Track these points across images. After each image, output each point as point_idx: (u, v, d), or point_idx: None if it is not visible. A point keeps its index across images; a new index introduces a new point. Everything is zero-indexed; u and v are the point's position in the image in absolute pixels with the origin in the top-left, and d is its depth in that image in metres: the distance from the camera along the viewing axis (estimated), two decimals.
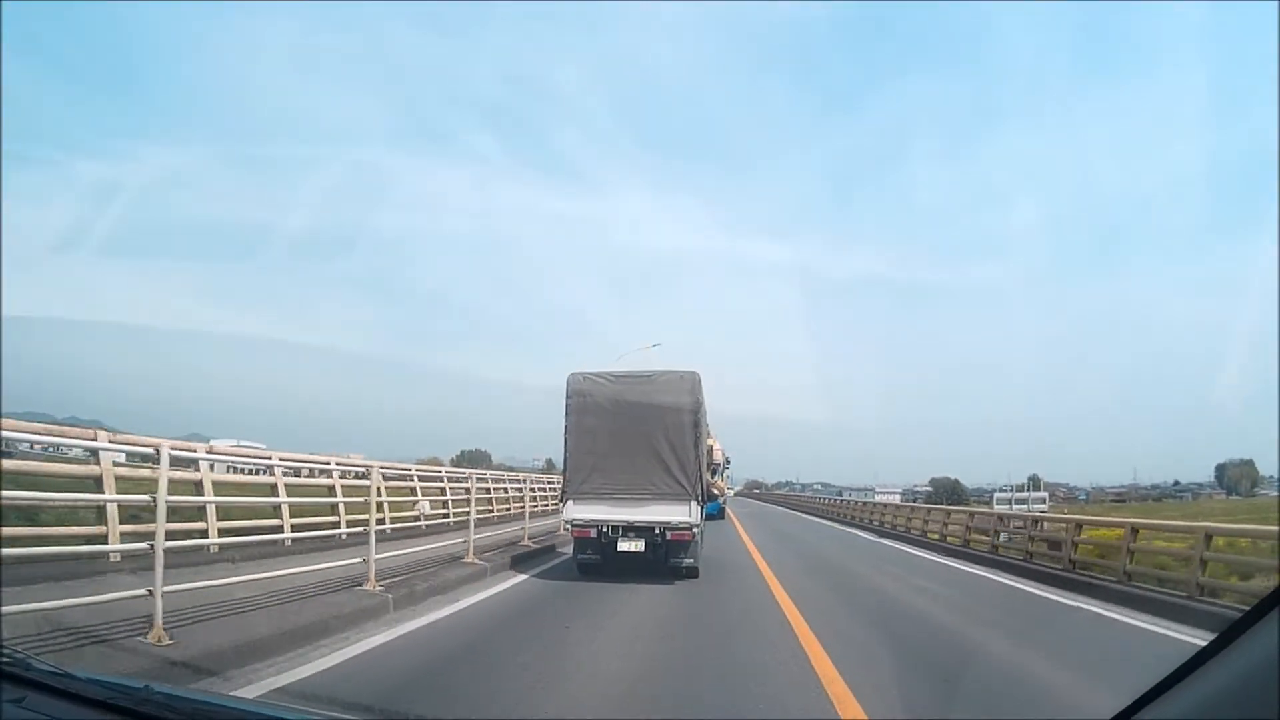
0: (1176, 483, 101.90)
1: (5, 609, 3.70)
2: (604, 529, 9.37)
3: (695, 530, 9.40)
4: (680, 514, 9.30)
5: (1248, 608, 1.19)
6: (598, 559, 9.58)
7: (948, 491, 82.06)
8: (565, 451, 9.76)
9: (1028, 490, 60.28)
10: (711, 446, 19.09)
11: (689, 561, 9.41)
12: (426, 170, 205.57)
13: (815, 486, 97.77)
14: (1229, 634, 1.17)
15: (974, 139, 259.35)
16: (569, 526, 9.86)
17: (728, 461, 30.92)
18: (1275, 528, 8.80)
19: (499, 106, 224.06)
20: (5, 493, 4.67)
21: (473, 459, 73.13)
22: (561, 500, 10.09)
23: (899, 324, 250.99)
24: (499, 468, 49.50)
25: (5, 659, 1.96)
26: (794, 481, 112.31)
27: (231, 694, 3.65)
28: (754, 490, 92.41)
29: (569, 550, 10.79)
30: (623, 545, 9.31)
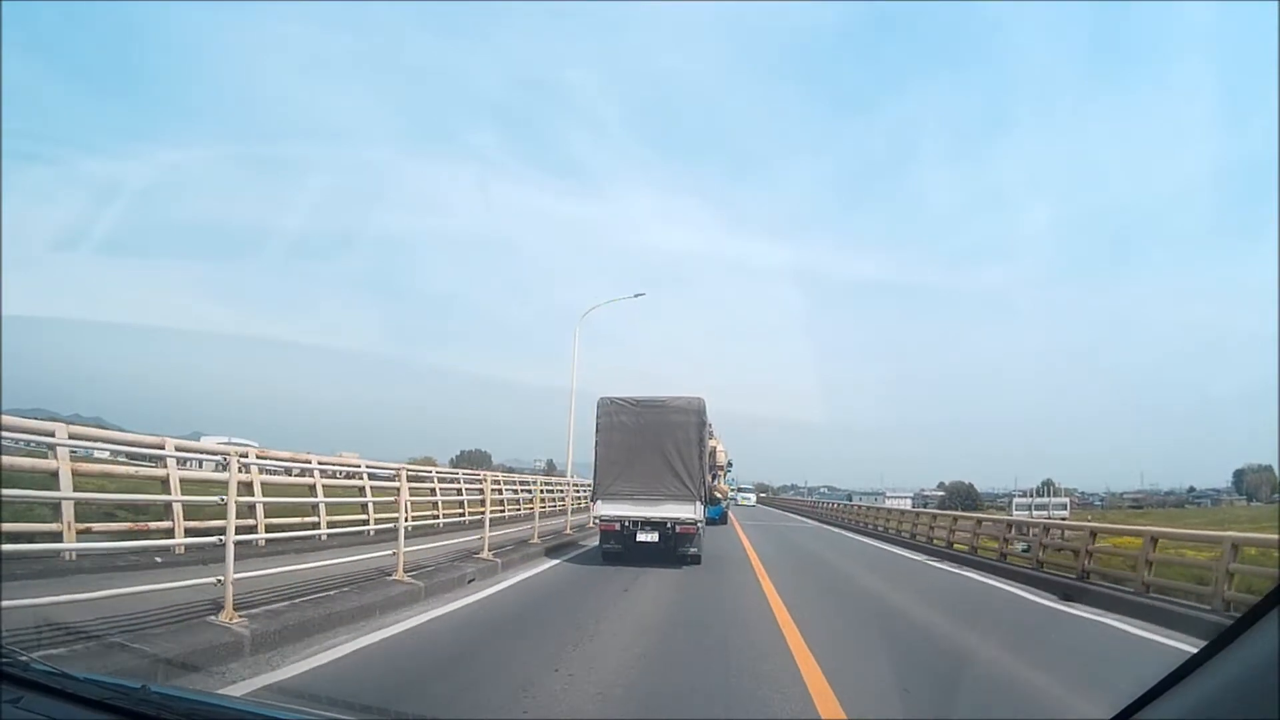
0: (1192, 488, 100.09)
1: (5, 604, 3.64)
2: (626, 523, 11.21)
3: (699, 525, 11.31)
4: (687, 511, 11.13)
5: None
6: (620, 548, 11.32)
7: (962, 496, 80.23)
8: (595, 461, 11.73)
9: (1047, 495, 58.62)
10: (715, 448, 19.00)
11: (693, 550, 11.34)
12: (429, 171, 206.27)
13: (821, 490, 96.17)
14: (1228, 634, 1.16)
15: (984, 144, 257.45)
16: (598, 521, 11.66)
17: (730, 463, 29.78)
18: None
19: (505, 108, 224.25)
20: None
21: (473, 460, 72.27)
22: (592, 500, 12.21)
23: (905, 327, 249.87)
24: (498, 469, 48.93)
25: (4, 659, 1.94)
26: (800, 485, 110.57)
27: (228, 693, 3.60)
28: (759, 494, 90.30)
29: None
30: (641, 536, 11.13)
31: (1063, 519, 33.94)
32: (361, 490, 11.58)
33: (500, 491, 18.21)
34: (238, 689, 3.95)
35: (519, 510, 18.25)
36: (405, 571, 7.38)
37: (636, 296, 28.53)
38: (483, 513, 16.37)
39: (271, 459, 9.58)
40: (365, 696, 4.09)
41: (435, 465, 34.17)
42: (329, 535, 9.52)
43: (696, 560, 11.33)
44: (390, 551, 7.48)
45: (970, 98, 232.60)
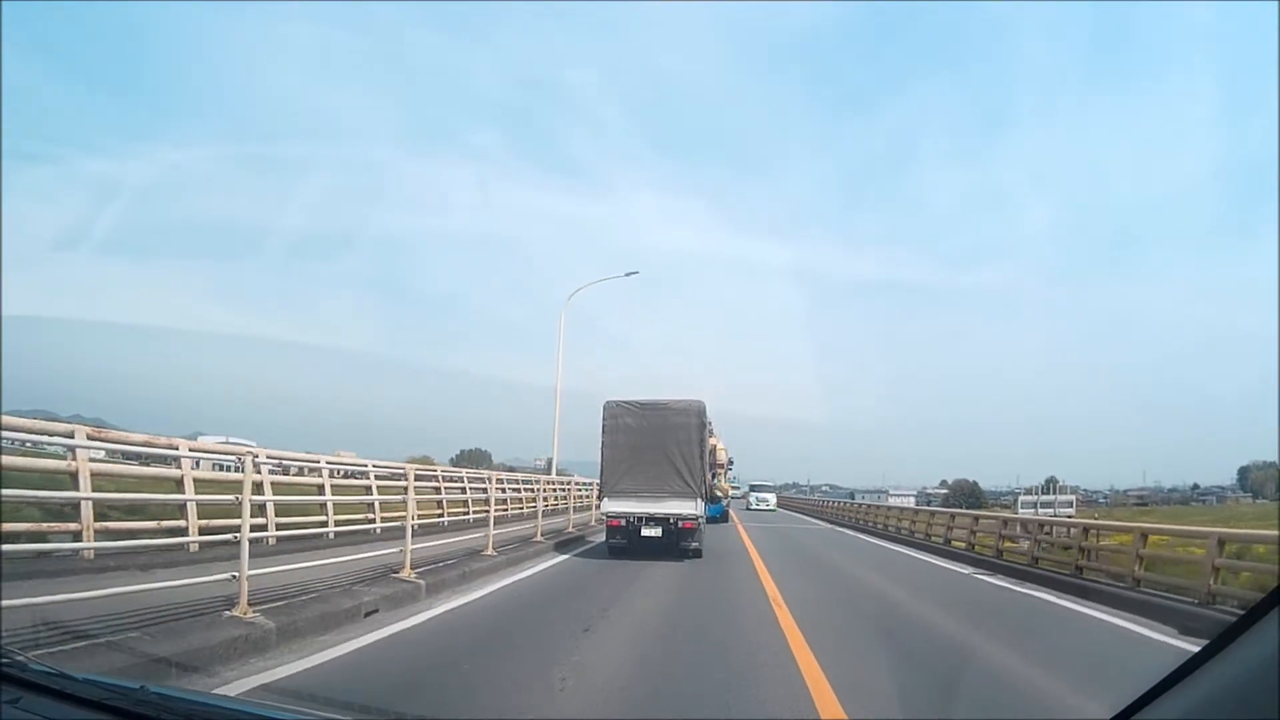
0: (1196, 485, 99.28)
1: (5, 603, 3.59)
2: (631, 519, 11.78)
3: (700, 521, 11.88)
4: (689, 508, 11.68)
5: None
6: (625, 543, 11.88)
7: (966, 495, 78.22)
8: (602, 461, 12.19)
9: (1053, 494, 56.71)
10: (715, 446, 18.52)
11: (695, 545, 11.82)
12: (429, 171, 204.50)
13: (823, 488, 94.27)
14: (1229, 634, 1.15)
15: (985, 144, 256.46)
16: (605, 517, 12.25)
17: (731, 462, 27.97)
18: None
19: (507, 107, 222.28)
20: None
21: (473, 459, 70.94)
22: (598, 497, 12.80)
23: (906, 326, 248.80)
24: (499, 467, 47.02)
25: (3, 660, 1.92)
26: (802, 484, 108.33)
27: (227, 694, 3.53)
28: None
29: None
30: (645, 532, 11.67)
31: (1069, 517, 32.24)
32: (260, 487, 9.28)
33: (463, 490, 15.85)
34: (236, 689, 3.86)
35: (491, 513, 15.75)
36: (254, 605, 5.15)
37: (629, 275, 26.89)
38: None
39: (113, 442, 7.37)
40: (365, 696, 3.96)
41: (434, 464, 32.06)
42: (199, 545, 7.38)
43: (698, 554, 11.84)
44: (248, 572, 5.30)
45: (971, 98, 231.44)
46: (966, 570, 12.63)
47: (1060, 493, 61.16)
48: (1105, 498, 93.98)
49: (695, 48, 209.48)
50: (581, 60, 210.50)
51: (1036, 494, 61.22)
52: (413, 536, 7.91)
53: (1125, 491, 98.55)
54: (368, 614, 6.22)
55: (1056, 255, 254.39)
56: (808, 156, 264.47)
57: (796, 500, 56.55)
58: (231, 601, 5.16)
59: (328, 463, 10.91)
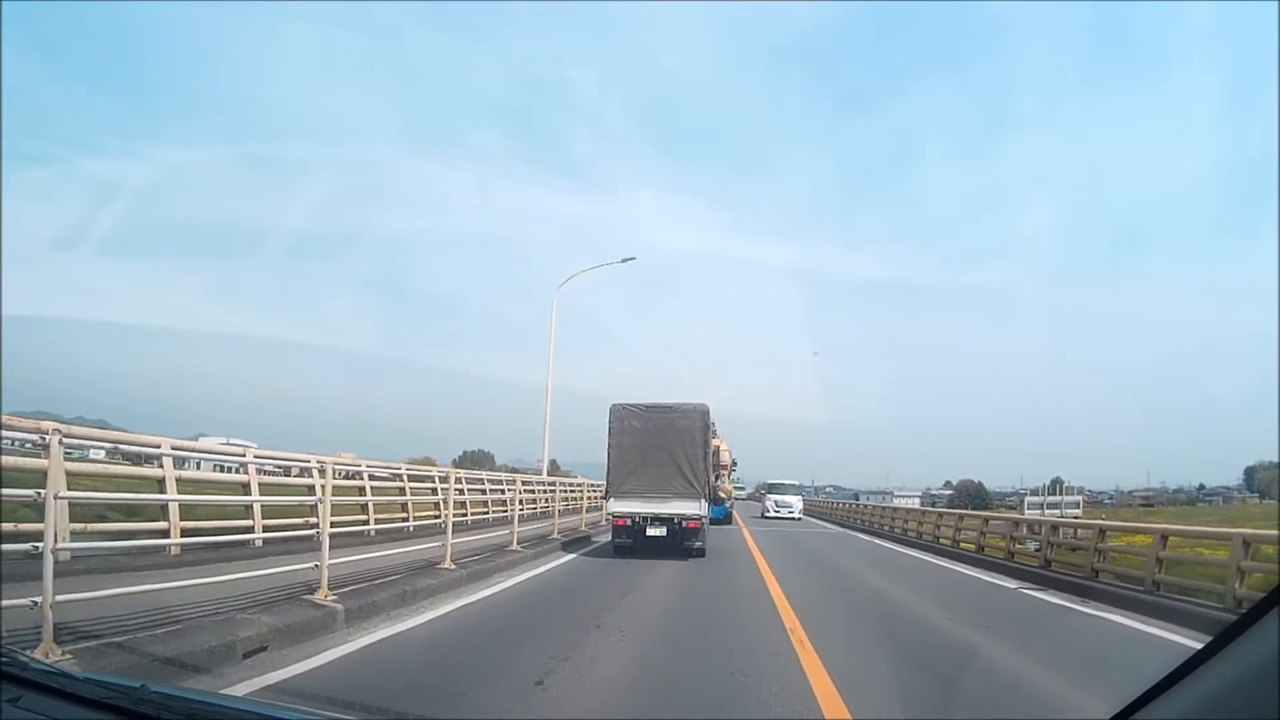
0: (1201, 486, 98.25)
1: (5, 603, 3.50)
2: (636, 519, 12.11)
3: (703, 521, 12.24)
4: (693, 508, 12.02)
5: None
6: (631, 542, 12.22)
7: (971, 495, 76.62)
8: (608, 462, 12.42)
9: (1059, 494, 55.31)
10: (718, 448, 18.27)
11: (698, 544, 12.13)
12: (430, 171, 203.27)
13: (827, 489, 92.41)
14: (1228, 634, 1.13)
15: (987, 144, 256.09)
16: (611, 517, 12.66)
17: (734, 462, 26.45)
18: None
19: (507, 107, 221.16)
20: None
21: (475, 460, 69.81)
22: (605, 498, 12.98)
23: (908, 326, 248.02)
24: (501, 469, 45.92)
25: (3, 658, 1.90)
26: (807, 485, 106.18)
27: (228, 693, 3.48)
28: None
29: None
30: (650, 531, 12.00)
31: (1075, 518, 30.63)
32: (162, 484, 7.59)
33: (433, 490, 14.30)
34: (238, 689, 3.82)
35: (450, 518, 13.98)
36: (72, 641, 3.81)
37: (625, 261, 25.57)
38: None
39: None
40: (366, 696, 3.93)
41: (434, 466, 30.95)
42: (72, 555, 5.74)
43: (701, 553, 12.14)
44: (53, 598, 3.67)
45: (972, 98, 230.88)
46: (1012, 584, 10.96)
47: (1067, 493, 59.67)
48: (1110, 498, 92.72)
49: (695, 48, 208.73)
50: (582, 60, 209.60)
51: (1043, 494, 59.80)
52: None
53: (1130, 492, 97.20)
54: (248, 654, 4.59)
55: (1057, 255, 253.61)
56: (808, 156, 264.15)
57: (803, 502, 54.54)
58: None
59: (255, 456, 9.24)
